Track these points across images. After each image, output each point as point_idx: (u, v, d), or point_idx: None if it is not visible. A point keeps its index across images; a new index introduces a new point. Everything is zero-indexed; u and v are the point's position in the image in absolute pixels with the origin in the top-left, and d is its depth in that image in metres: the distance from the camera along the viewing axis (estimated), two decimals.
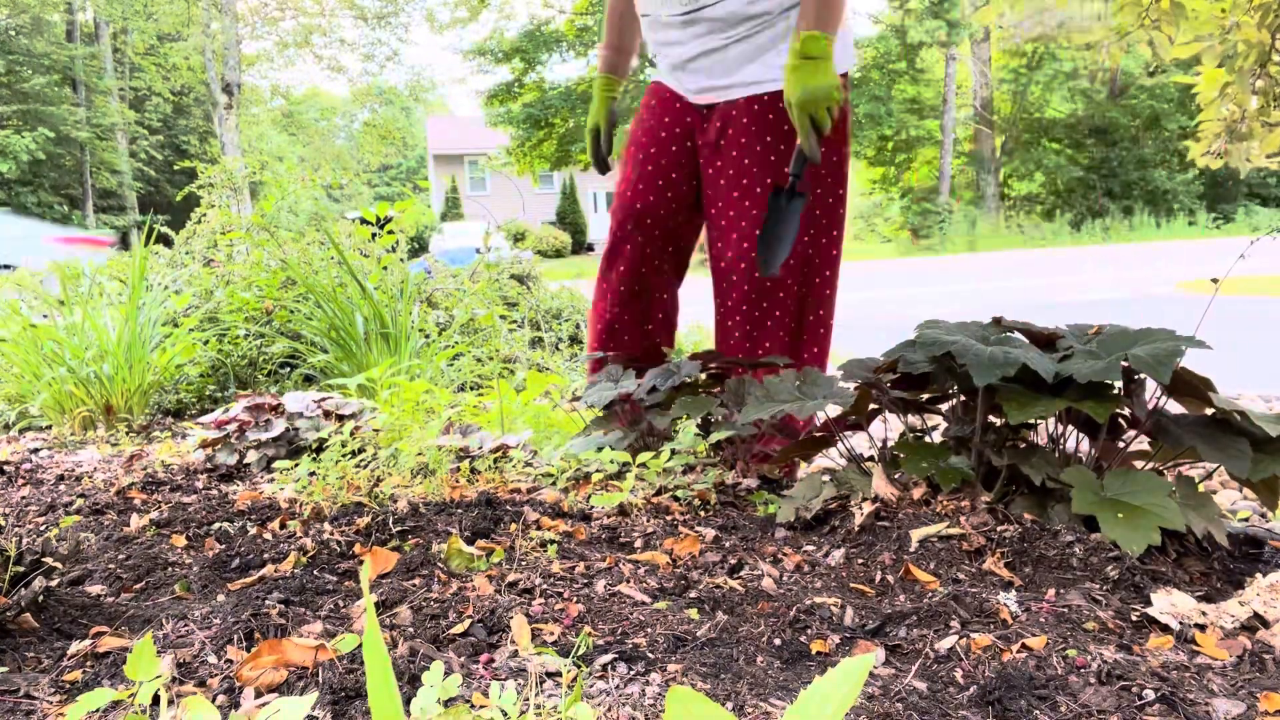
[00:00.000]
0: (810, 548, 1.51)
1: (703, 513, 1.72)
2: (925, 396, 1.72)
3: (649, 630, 1.17)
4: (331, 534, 1.61)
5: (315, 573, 1.42)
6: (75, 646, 1.13)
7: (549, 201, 33.26)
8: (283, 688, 1.01)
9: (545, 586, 1.33)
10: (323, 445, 2.35)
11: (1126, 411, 1.54)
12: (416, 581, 1.37)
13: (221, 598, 1.32)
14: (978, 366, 1.42)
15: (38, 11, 26.18)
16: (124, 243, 25.24)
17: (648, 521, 1.67)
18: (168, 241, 5.27)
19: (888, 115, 25.11)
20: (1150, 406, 1.50)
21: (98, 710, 0.96)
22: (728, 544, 1.54)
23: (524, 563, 1.45)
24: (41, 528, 1.78)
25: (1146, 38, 2.80)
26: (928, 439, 1.73)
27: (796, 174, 1.98)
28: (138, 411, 3.47)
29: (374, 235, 4.31)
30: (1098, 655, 1.05)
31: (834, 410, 1.73)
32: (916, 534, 1.43)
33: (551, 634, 1.17)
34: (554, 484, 1.95)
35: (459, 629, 1.18)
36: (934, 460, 1.57)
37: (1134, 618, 1.20)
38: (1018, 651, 1.09)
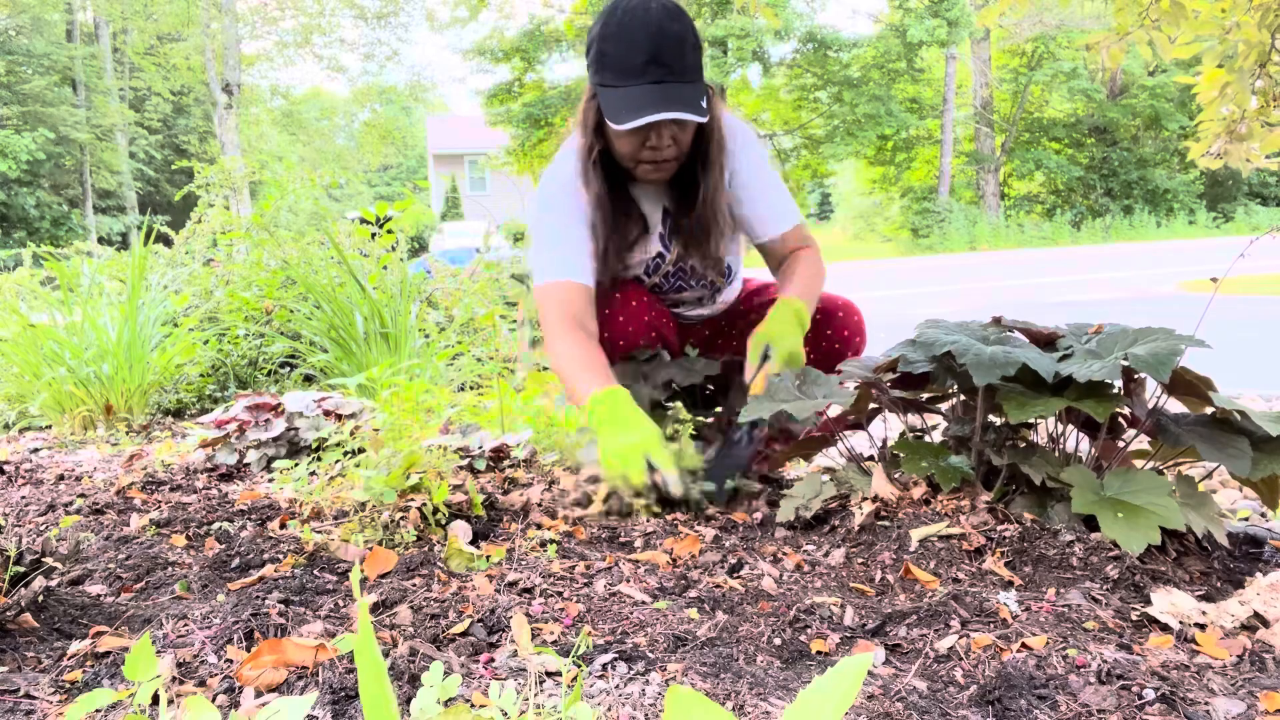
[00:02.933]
0: (810, 547, 1.51)
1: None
2: (925, 396, 1.72)
3: (649, 630, 1.17)
4: (331, 533, 1.61)
5: (315, 572, 1.42)
6: (75, 646, 1.13)
7: None
8: (283, 687, 1.01)
9: (545, 586, 1.33)
10: (323, 445, 2.35)
11: (1126, 411, 1.54)
12: (416, 581, 1.37)
13: (221, 597, 1.32)
14: (978, 366, 1.42)
15: (38, 12, 26.15)
16: (124, 242, 25.24)
17: (648, 521, 1.66)
18: (167, 241, 5.27)
19: (888, 115, 25.08)
20: (1150, 406, 1.50)
21: (98, 710, 0.96)
22: (728, 544, 1.54)
23: (524, 562, 1.45)
24: (41, 528, 1.78)
25: (1146, 38, 2.79)
26: (928, 438, 1.73)
27: (746, 433, 1.90)
28: (138, 411, 3.47)
29: (374, 235, 4.30)
30: (1098, 655, 1.05)
31: (834, 409, 1.73)
32: (916, 533, 1.43)
33: (551, 634, 1.17)
34: (554, 483, 1.95)
35: (459, 629, 1.18)
36: (934, 460, 1.57)
37: (1134, 617, 1.20)
38: (1017, 651, 1.09)
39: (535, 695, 0.99)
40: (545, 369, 3.71)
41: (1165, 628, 1.16)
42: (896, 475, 1.59)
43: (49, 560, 1.36)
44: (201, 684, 1.02)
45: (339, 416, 2.41)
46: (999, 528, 1.42)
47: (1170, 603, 1.20)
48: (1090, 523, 1.42)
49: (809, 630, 1.19)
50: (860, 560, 1.43)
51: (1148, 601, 1.23)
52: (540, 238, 2.03)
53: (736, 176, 2.06)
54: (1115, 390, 1.46)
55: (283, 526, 1.73)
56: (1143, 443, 1.61)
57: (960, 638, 1.13)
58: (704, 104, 1.83)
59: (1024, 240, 23.70)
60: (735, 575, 1.41)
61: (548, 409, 2.56)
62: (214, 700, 0.99)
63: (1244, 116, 2.92)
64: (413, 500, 1.68)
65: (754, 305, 2.28)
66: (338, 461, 2.05)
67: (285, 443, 2.36)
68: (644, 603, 1.28)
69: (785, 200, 2.12)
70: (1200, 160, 3.08)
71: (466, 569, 1.44)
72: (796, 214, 2.12)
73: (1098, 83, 26.26)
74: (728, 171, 2.04)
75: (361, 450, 2.11)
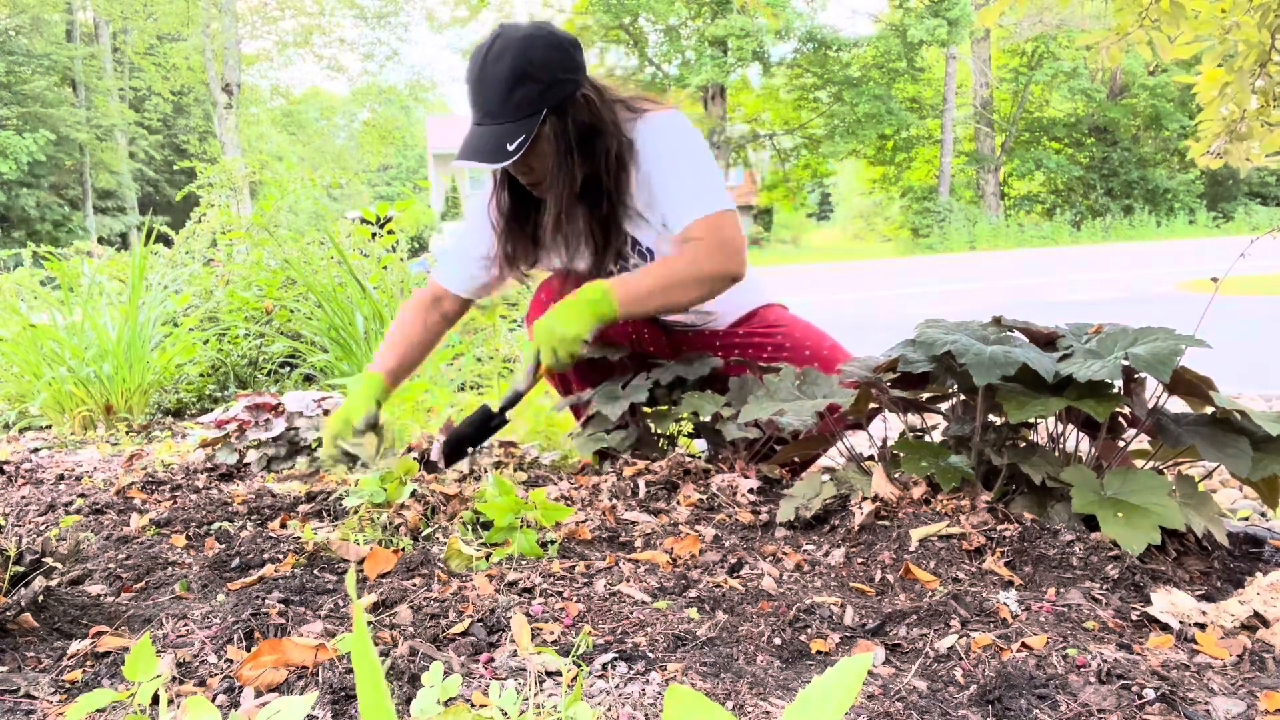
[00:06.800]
0: (810, 547, 1.51)
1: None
2: (925, 396, 1.72)
3: (649, 629, 1.17)
4: (331, 533, 1.61)
5: (315, 572, 1.43)
6: (75, 646, 1.13)
7: None
8: (283, 687, 1.01)
9: (545, 586, 1.33)
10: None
11: (1126, 410, 1.54)
12: (416, 581, 1.37)
13: (221, 597, 1.32)
14: (978, 366, 1.41)
15: (38, 11, 26.15)
16: (124, 243, 25.24)
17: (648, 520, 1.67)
18: (168, 241, 5.27)
19: (888, 114, 25.09)
20: (1150, 405, 1.50)
21: (98, 710, 0.96)
22: (728, 543, 1.54)
23: (524, 562, 1.45)
24: (41, 528, 1.78)
25: (1146, 38, 2.79)
26: (928, 438, 1.73)
27: (506, 404, 2.01)
28: (138, 411, 3.47)
29: (374, 235, 4.31)
30: (1098, 654, 1.05)
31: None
32: (916, 533, 1.43)
33: (551, 633, 1.17)
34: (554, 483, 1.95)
35: (459, 628, 1.18)
36: (934, 459, 1.57)
37: (1134, 617, 1.20)
38: (1017, 650, 1.09)
39: (535, 695, 0.99)
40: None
41: (1165, 627, 1.16)
42: (896, 475, 1.59)
43: (49, 560, 1.36)
44: (201, 684, 1.02)
45: None
46: (999, 527, 1.42)
47: (1170, 602, 1.20)
48: (1090, 522, 1.42)
49: (809, 630, 1.19)
50: (860, 560, 1.43)
51: (1148, 601, 1.23)
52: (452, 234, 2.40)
53: (649, 180, 2.01)
54: (1115, 390, 1.46)
55: (283, 526, 1.73)
56: (1143, 442, 1.61)
57: (960, 637, 1.13)
58: (516, 144, 1.85)
59: (1024, 240, 23.70)
60: (735, 575, 1.41)
61: (547, 408, 2.56)
62: (214, 700, 0.99)
63: (1244, 116, 2.92)
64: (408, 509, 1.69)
65: (753, 339, 2.24)
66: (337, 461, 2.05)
67: (285, 443, 2.36)
68: (644, 602, 1.28)
69: (685, 196, 1.95)
70: (1200, 160, 3.08)
71: (466, 569, 1.44)
72: (705, 205, 1.92)
73: (1098, 83, 26.27)
74: (641, 176, 2.02)
75: None
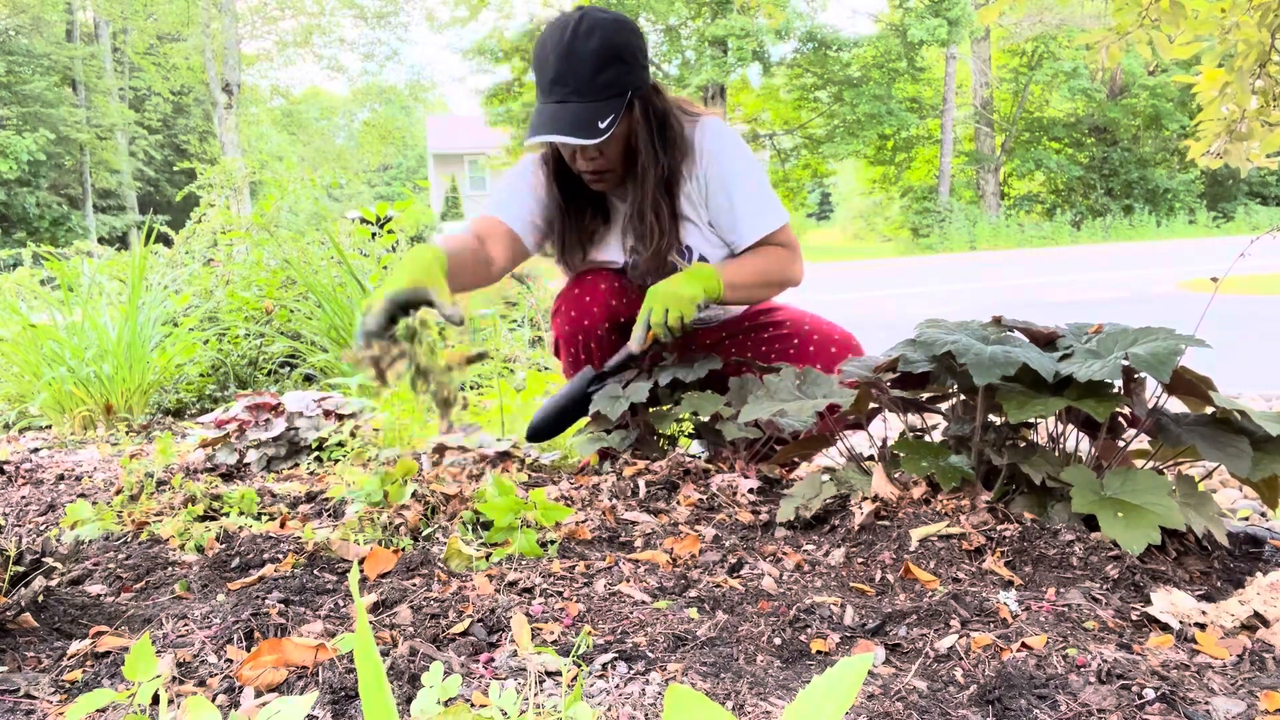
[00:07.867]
0: (810, 547, 1.51)
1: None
2: (925, 395, 1.72)
3: (649, 629, 1.17)
4: (331, 533, 1.61)
5: (315, 572, 1.43)
6: (75, 646, 1.13)
7: None
8: (283, 687, 1.01)
9: (545, 586, 1.33)
10: (323, 445, 2.35)
11: (1126, 410, 1.54)
12: (416, 581, 1.37)
13: (221, 597, 1.32)
14: (978, 366, 1.41)
15: (38, 11, 26.13)
16: (124, 242, 25.24)
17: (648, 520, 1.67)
18: (168, 241, 5.27)
19: (888, 114, 25.07)
20: (1150, 405, 1.50)
21: (98, 710, 0.96)
22: (728, 543, 1.54)
23: (524, 562, 1.45)
24: (41, 528, 1.78)
25: (1146, 38, 2.79)
26: (928, 438, 1.73)
27: (615, 367, 2.04)
28: (138, 411, 3.47)
29: (374, 235, 4.31)
30: (1098, 654, 1.05)
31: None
32: (916, 533, 1.43)
33: (551, 633, 1.17)
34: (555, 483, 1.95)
35: (459, 628, 1.18)
36: (934, 459, 1.57)
37: (1134, 617, 1.20)
38: (1017, 650, 1.09)
39: (535, 695, 0.99)
40: (545, 369, 3.71)
41: (1165, 627, 1.16)
42: (896, 475, 1.59)
43: (49, 560, 1.36)
44: (201, 684, 1.02)
45: (339, 416, 2.41)
46: (999, 527, 1.42)
47: (1170, 602, 1.20)
48: (1090, 522, 1.42)
49: (809, 630, 1.19)
50: (860, 560, 1.43)
51: (1148, 601, 1.23)
52: (491, 194, 2.20)
53: (709, 186, 2.03)
54: (1115, 390, 1.46)
55: (282, 526, 1.73)
56: (1143, 442, 1.61)
57: (960, 637, 1.13)
58: (606, 123, 1.84)
59: (1024, 240, 23.68)
60: (735, 575, 1.41)
61: None
62: (214, 700, 0.99)
63: (1244, 116, 2.92)
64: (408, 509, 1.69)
65: (758, 321, 2.26)
66: (337, 461, 2.05)
67: (285, 442, 2.36)
68: (644, 602, 1.28)
69: (756, 210, 2.03)
70: (1200, 160, 3.08)
71: (466, 569, 1.44)
72: (771, 221, 2.03)
73: (1098, 82, 26.23)
74: (698, 179, 2.03)
75: (362, 450, 2.11)
